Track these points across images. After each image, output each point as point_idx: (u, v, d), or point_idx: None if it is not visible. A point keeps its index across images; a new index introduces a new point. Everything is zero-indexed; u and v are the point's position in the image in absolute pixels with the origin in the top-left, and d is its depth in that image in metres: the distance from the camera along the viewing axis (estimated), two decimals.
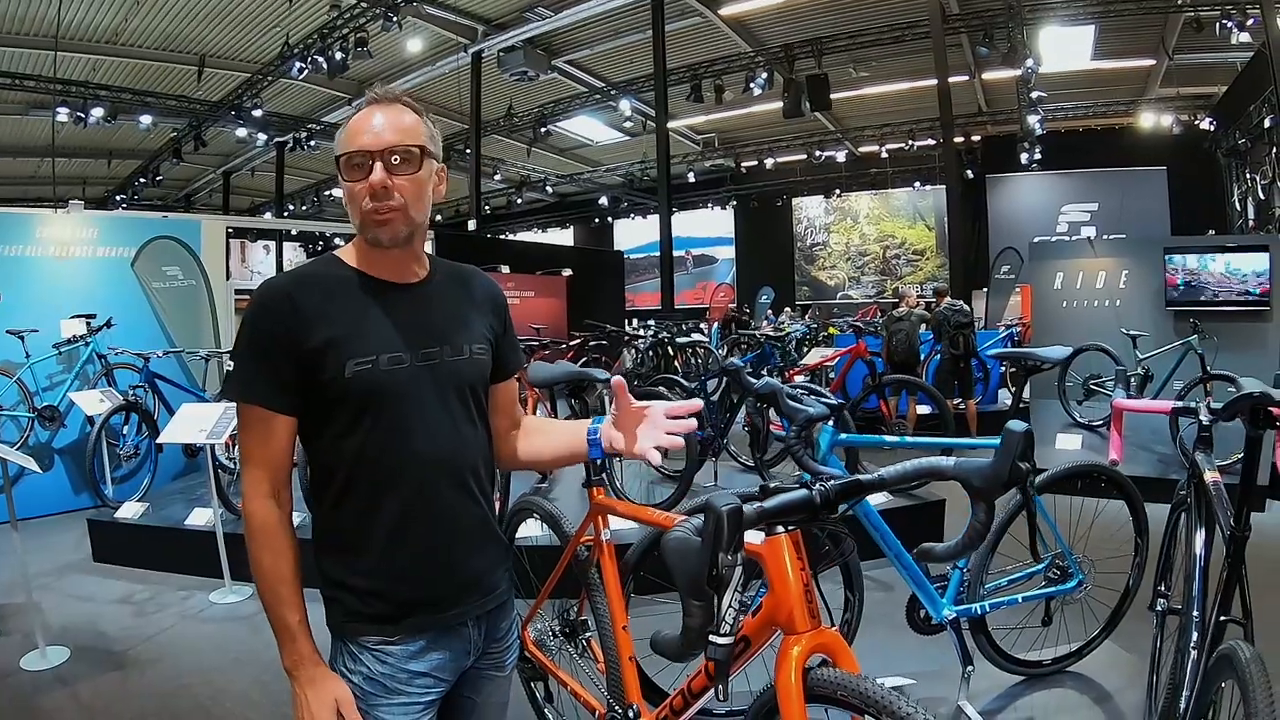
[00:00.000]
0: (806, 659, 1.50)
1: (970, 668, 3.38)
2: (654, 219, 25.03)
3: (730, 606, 1.40)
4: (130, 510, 6.14)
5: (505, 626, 1.83)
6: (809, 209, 29.34)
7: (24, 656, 4.30)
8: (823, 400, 3.26)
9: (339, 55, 14.82)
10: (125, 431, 7.38)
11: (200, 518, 5.79)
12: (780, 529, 1.52)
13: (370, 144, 1.57)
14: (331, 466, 1.62)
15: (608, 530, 2.48)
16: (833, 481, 1.50)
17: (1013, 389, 11.80)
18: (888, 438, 4.10)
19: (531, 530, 3.28)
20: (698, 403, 1.81)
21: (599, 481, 2.43)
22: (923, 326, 9.74)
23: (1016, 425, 1.39)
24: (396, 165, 1.58)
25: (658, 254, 17.04)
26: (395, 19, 13.75)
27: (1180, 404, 2.98)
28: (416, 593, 1.63)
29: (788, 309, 23.26)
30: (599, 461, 1.84)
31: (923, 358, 10.08)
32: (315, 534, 1.67)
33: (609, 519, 2.52)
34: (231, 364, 1.62)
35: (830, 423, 3.43)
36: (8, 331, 7.07)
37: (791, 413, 3.06)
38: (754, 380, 3.41)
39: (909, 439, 4.64)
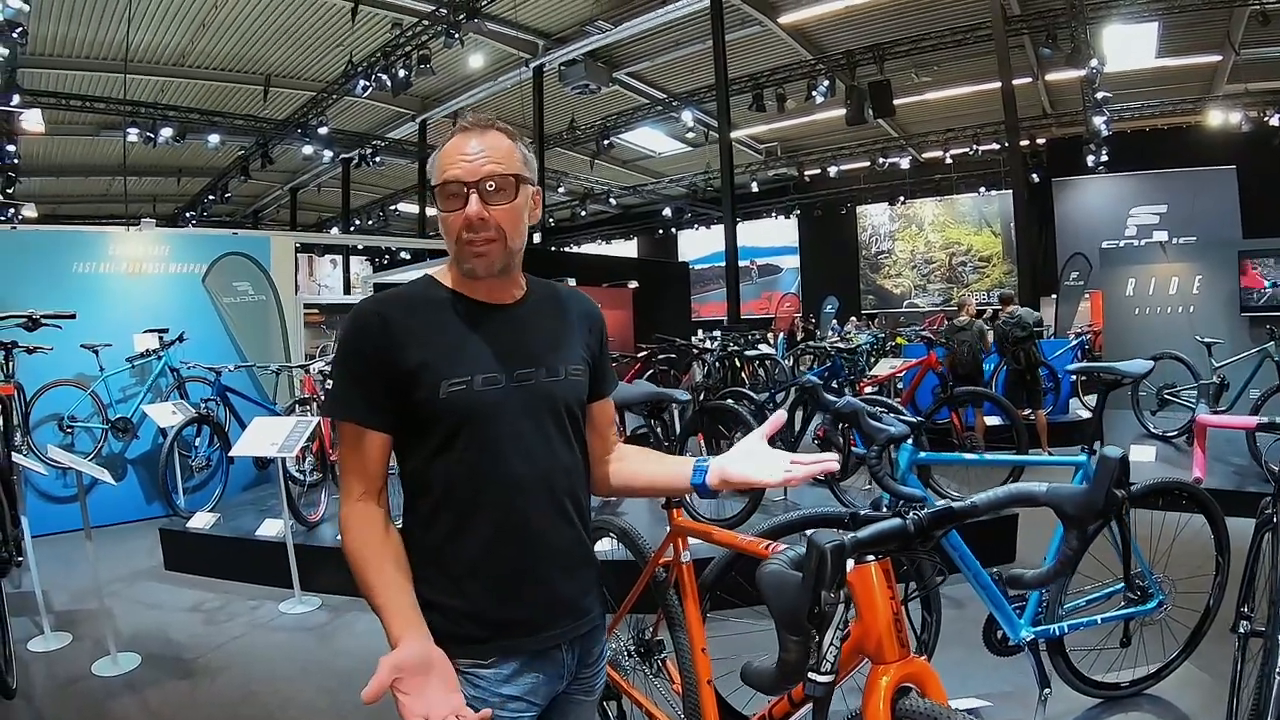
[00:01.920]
0: (895, 689, 1.46)
1: (1048, 690, 3.30)
2: (718, 229, 24.96)
3: (832, 645, 1.36)
4: (202, 520, 6.26)
5: (597, 651, 1.79)
6: (873, 216, 29.09)
7: (96, 662, 4.38)
8: (902, 418, 3.17)
9: (402, 73, 14.97)
10: (197, 443, 7.52)
11: (271, 528, 5.85)
12: (870, 557, 1.47)
13: (465, 174, 1.55)
14: (424, 486, 1.61)
15: (687, 552, 2.42)
16: (926, 510, 1.46)
17: (1089, 401, 11.55)
18: (967, 455, 4.01)
19: (603, 545, 3.23)
20: (833, 463, 1.66)
21: (679, 503, 2.37)
22: (989, 335, 9.55)
23: (1112, 452, 1.36)
24: (492, 194, 1.56)
25: (722, 264, 16.95)
26: (457, 36, 13.86)
27: (1266, 420, 2.88)
28: (507, 614, 1.60)
29: (853, 318, 23.05)
30: (697, 489, 1.78)
31: (992, 367, 9.90)
32: (408, 554, 1.62)
33: (689, 540, 2.46)
34: (329, 383, 1.66)
35: (909, 441, 3.34)
36: (82, 346, 7.22)
37: (873, 432, 2.98)
38: (834, 399, 3.32)
39: (988, 456, 4.52)
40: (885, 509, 1.56)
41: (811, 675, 1.36)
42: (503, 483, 1.59)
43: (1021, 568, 1.57)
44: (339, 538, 1.59)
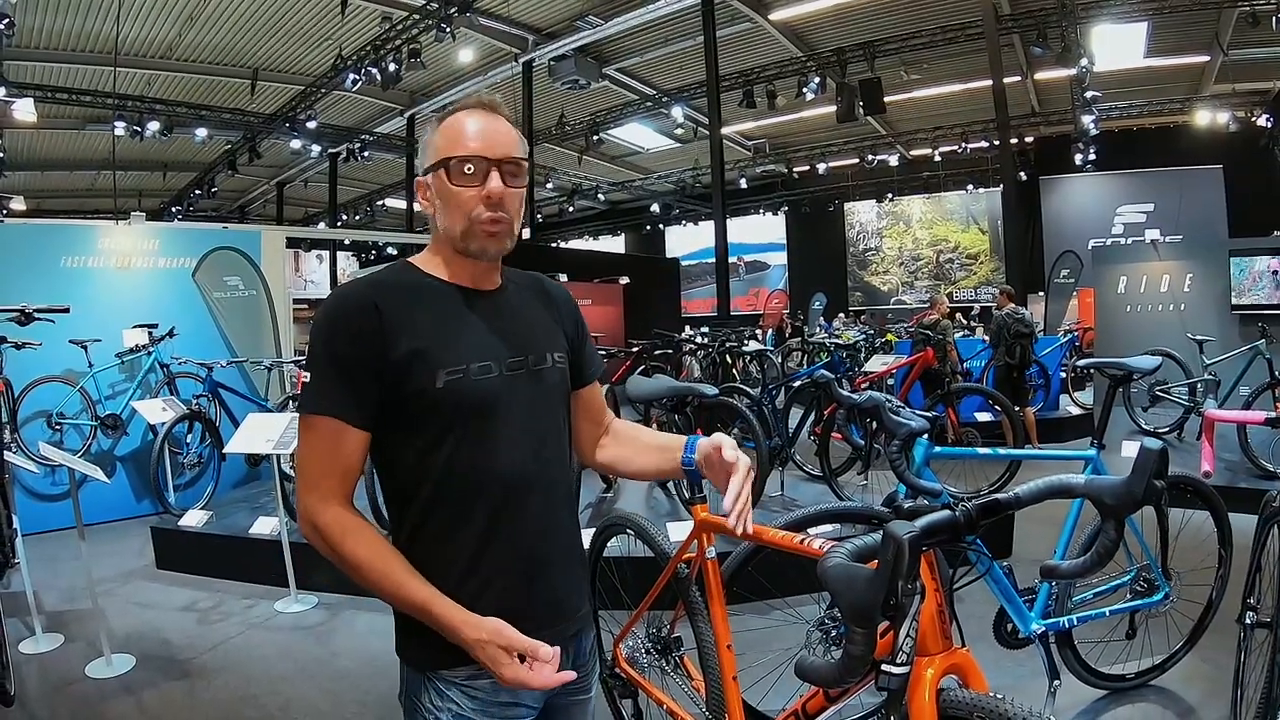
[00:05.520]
0: (939, 681, 1.47)
1: (1057, 682, 3.32)
2: (705, 225, 24.94)
3: (909, 635, 1.36)
4: (194, 518, 6.19)
5: (587, 649, 1.74)
6: (861, 214, 29.20)
7: (89, 664, 4.32)
8: (919, 414, 3.17)
9: (392, 66, 14.87)
10: (189, 440, 7.43)
11: (265, 526, 5.79)
12: None
13: (487, 150, 1.52)
14: (413, 487, 1.52)
15: (713, 548, 2.38)
16: (975, 501, 1.44)
17: (1079, 397, 11.63)
18: (980, 449, 4.06)
19: (617, 543, 3.19)
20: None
21: (702, 499, 2.33)
22: (959, 333, 9.58)
23: (1152, 444, 1.37)
24: (509, 177, 1.54)
25: (710, 260, 16.90)
26: (448, 30, 13.77)
27: (1276, 415, 2.89)
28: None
29: (841, 314, 23.07)
30: (691, 470, 1.75)
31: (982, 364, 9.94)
32: None
33: (713, 536, 2.42)
34: (307, 375, 1.53)
35: (924, 435, 3.35)
36: (71, 341, 7.13)
37: (895, 426, 2.99)
38: (854, 395, 3.34)
39: (1001, 451, 4.54)
40: (904, 501, 1.56)
41: (886, 667, 1.37)
42: (500, 478, 1.53)
43: (1060, 559, 1.56)
44: (321, 542, 1.46)
